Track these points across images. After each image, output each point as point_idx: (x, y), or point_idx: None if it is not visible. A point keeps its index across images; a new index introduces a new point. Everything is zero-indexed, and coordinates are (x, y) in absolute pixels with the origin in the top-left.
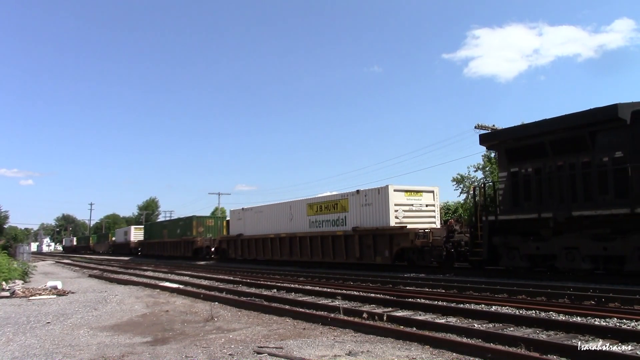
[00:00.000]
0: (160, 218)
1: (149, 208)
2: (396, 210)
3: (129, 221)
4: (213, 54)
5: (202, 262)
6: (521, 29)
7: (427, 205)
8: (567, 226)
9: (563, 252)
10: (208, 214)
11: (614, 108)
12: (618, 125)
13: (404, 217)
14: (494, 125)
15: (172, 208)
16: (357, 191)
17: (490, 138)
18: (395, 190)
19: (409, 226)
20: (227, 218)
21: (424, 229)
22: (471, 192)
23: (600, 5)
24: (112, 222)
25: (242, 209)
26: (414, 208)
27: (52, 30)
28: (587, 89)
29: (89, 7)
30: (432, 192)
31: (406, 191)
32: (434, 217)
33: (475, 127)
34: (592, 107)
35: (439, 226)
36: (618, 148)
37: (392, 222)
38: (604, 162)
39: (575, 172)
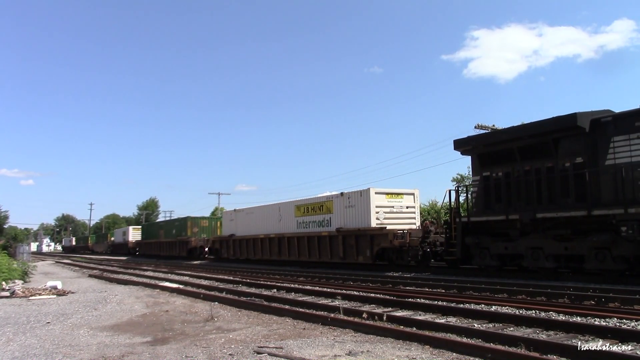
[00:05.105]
0: (160, 218)
1: (149, 208)
2: (377, 212)
3: (129, 221)
4: (214, 55)
5: (196, 262)
6: (520, 29)
7: (407, 207)
8: (533, 227)
9: (529, 252)
10: (208, 214)
11: (573, 117)
12: (578, 132)
13: (385, 218)
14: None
15: (172, 208)
16: (341, 193)
17: (464, 144)
18: (376, 193)
19: (389, 227)
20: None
21: (402, 230)
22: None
23: (600, 6)
24: (112, 222)
25: (234, 210)
26: (394, 210)
27: (53, 30)
28: (587, 89)
29: (89, 6)
30: (413, 194)
31: (387, 193)
32: (414, 218)
33: (475, 127)
34: (555, 115)
35: (418, 227)
36: (578, 154)
37: (373, 223)
38: (565, 167)
39: (540, 176)
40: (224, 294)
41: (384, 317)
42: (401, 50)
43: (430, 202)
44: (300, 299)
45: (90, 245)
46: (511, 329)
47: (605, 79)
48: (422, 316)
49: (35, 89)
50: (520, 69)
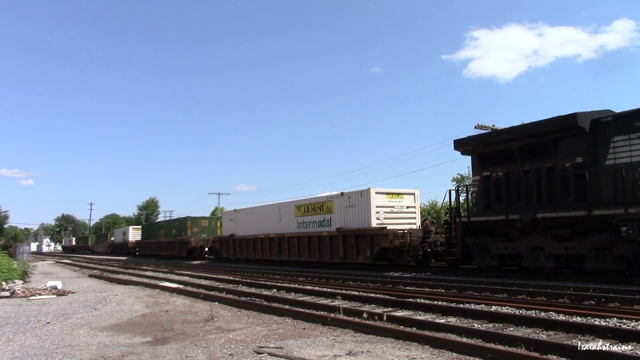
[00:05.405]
0: (160, 218)
1: (149, 208)
2: (377, 212)
3: (129, 221)
4: (214, 55)
5: (196, 262)
6: (520, 29)
7: (407, 207)
8: (533, 227)
9: (529, 252)
10: (208, 214)
11: (573, 117)
12: (578, 132)
13: (385, 218)
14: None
15: (172, 208)
16: (342, 193)
17: (464, 144)
18: (377, 193)
19: (390, 227)
20: None
21: (403, 230)
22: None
23: (600, 6)
24: (112, 222)
25: (234, 210)
26: (395, 210)
27: (53, 30)
28: (587, 89)
29: (89, 6)
30: (413, 194)
31: (387, 193)
32: (415, 218)
33: (475, 127)
34: (555, 115)
35: (418, 227)
36: (578, 154)
37: (374, 223)
38: (565, 167)
39: (540, 176)
40: (224, 294)
41: (384, 317)
42: (401, 50)
43: (430, 202)
44: (300, 299)
45: (90, 245)
46: (511, 329)
47: (605, 79)
48: (422, 316)
49: (35, 89)
50: (520, 69)
